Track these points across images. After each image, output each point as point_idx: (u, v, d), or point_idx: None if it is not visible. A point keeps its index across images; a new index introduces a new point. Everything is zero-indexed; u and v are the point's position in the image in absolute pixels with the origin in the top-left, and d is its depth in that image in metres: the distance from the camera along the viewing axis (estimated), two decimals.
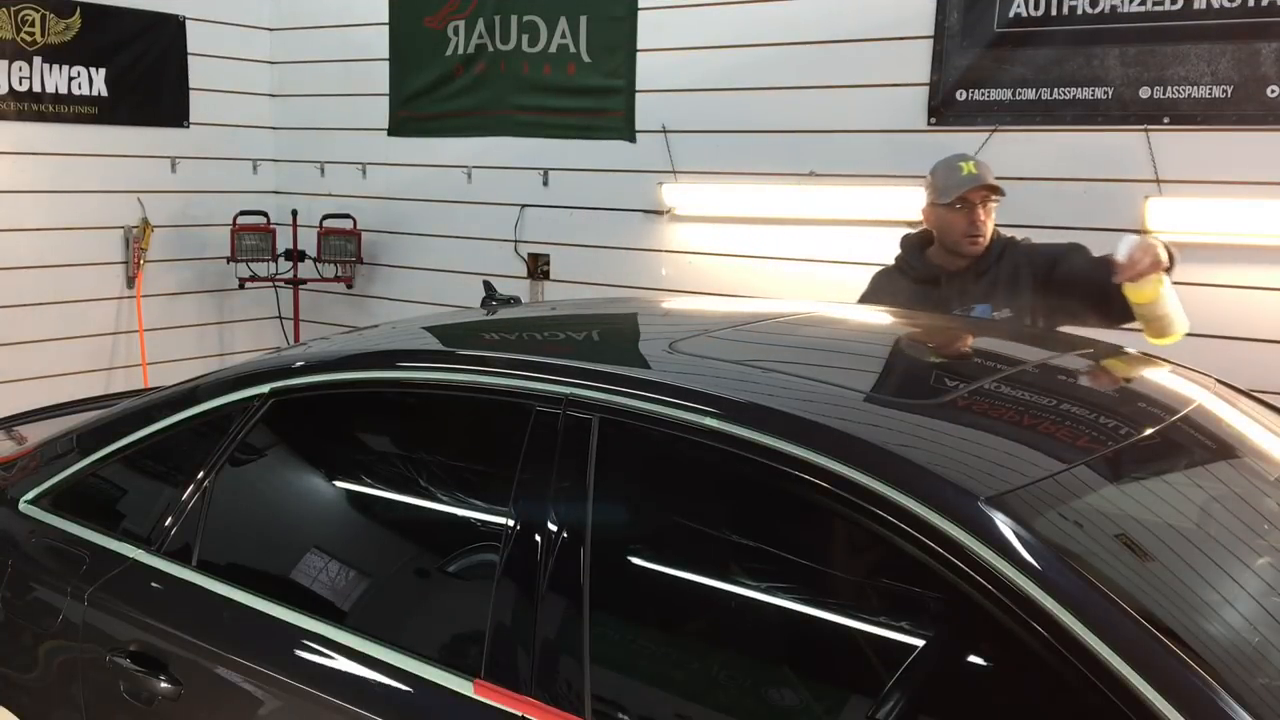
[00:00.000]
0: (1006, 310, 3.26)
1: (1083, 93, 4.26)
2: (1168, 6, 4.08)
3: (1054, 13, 4.27)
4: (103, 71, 5.86)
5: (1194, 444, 2.15)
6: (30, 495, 2.60)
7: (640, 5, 5.22)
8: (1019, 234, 3.45)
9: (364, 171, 6.31)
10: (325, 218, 6.19)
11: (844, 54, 4.73)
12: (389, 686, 1.96)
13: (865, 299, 3.51)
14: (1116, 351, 2.62)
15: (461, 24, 5.77)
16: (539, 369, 2.08)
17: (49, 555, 2.51)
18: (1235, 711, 1.40)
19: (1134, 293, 3.06)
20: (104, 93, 5.88)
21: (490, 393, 2.11)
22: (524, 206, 5.73)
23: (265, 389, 2.36)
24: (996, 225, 3.38)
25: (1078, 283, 3.20)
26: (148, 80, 6.04)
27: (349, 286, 6.35)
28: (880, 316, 3.04)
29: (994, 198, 3.34)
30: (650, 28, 5.22)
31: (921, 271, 3.43)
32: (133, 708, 2.24)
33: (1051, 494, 1.72)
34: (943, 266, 3.40)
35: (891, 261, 3.56)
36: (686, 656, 1.85)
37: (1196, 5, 4.03)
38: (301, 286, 6.34)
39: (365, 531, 2.35)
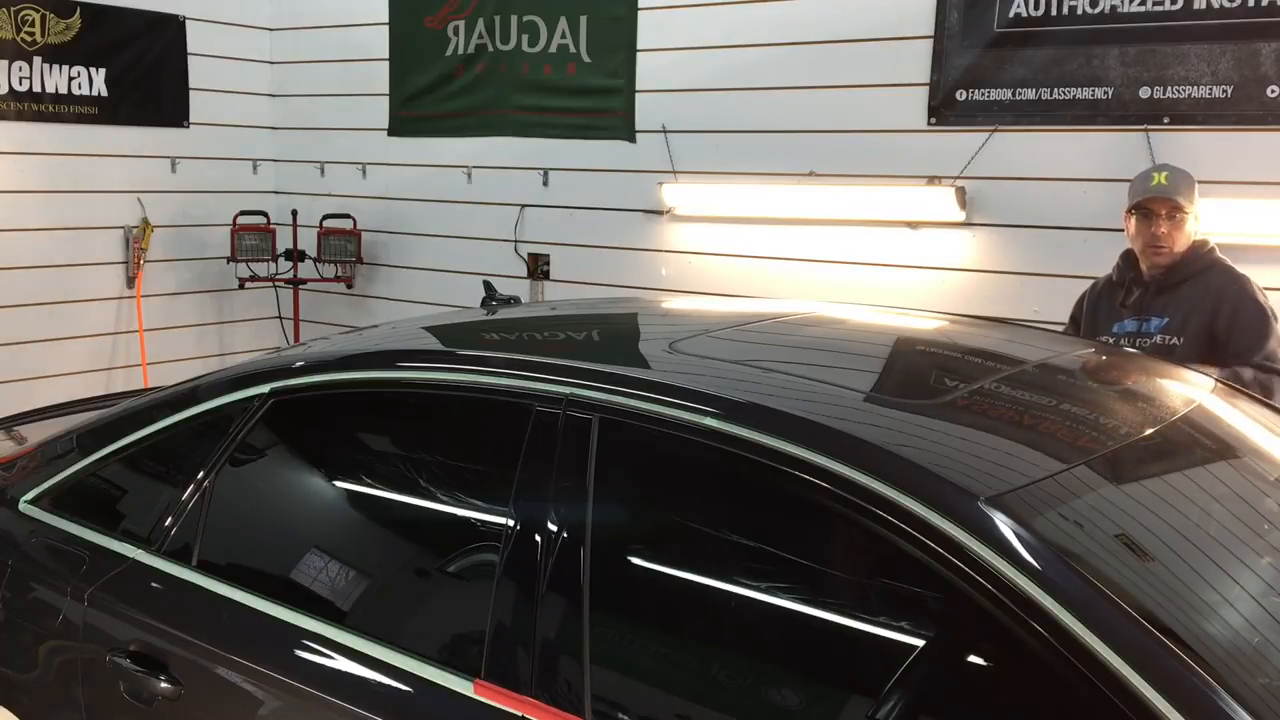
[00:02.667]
0: (1177, 339, 3.29)
1: (1083, 93, 4.26)
2: (1168, 6, 4.08)
3: (1054, 13, 4.27)
4: (103, 71, 5.86)
5: (1194, 444, 2.15)
6: (30, 495, 2.59)
7: (640, 5, 5.23)
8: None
9: (364, 171, 6.31)
10: (325, 218, 6.20)
11: (844, 54, 4.73)
12: (389, 686, 1.96)
13: (1080, 299, 3.68)
14: (1117, 351, 2.62)
15: (461, 24, 5.77)
16: (539, 369, 2.08)
17: (49, 555, 2.51)
18: (1235, 712, 1.40)
19: None
20: (104, 93, 5.88)
21: (490, 393, 2.11)
22: (524, 206, 5.73)
23: (265, 389, 2.36)
24: (1215, 245, 3.45)
25: (1216, 351, 3.24)
26: (148, 80, 6.04)
27: (349, 286, 6.35)
28: (880, 317, 3.04)
29: (1182, 212, 3.37)
30: (650, 28, 5.22)
31: (1120, 276, 3.53)
32: (133, 708, 2.23)
33: (1051, 494, 1.72)
34: (1138, 274, 3.48)
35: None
36: (686, 656, 1.85)
37: (1196, 5, 4.03)
38: (301, 286, 6.34)
39: (365, 532, 2.35)
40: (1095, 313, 3.57)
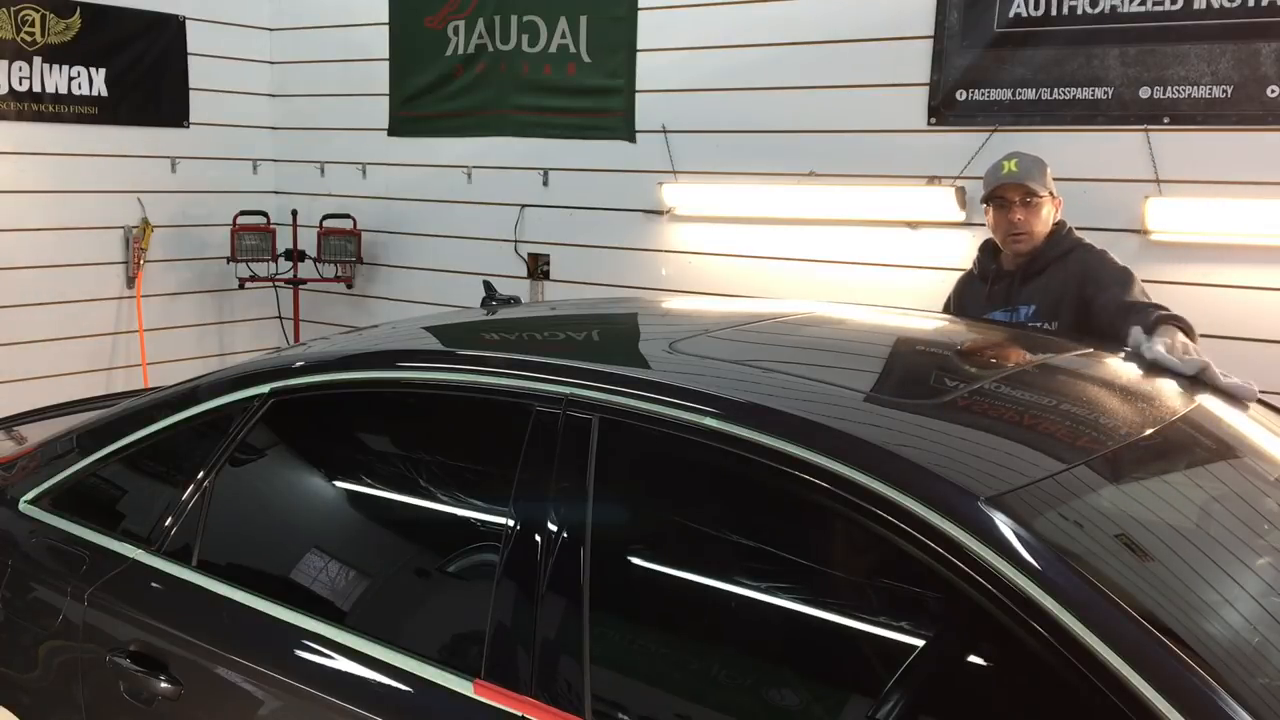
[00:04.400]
0: (1049, 323, 3.26)
1: (1083, 93, 4.26)
2: (1168, 6, 4.08)
3: (1054, 13, 4.27)
4: (103, 71, 5.86)
5: (1194, 444, 2.15)
6: (30, 495, 2.59)
7: (640, 5, 5.22)
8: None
9: (364, 171, 6.31)
10: (325, 218, 6.19)
11: (844, 54, 4.73)
12: (389, 686, 1.96)
13: (948, 299, 3.64)
14: (1117, 352, 2.62)
15: (461, 24, 5.77)
16: (539, 369, 2.08)
17: (49, 555, 2.51)
18: (1235, 712, 1.40)
19: None
20: (104, 93, 5.88)
21: (490, 393, 2.11)
22: (524, 206, 5.73)
23: (265, 389, 2.36)
24: (1074, 227, 3.43)
25: (1098, 323, 3.16)
26: (148, 80, 6.04)
27: (349, 286, 6.35)
28: (880, 317, 3.04)
29: (1036, 197, 3.35)
30: (650, 28, 5.22)
31: (982, 270, 3.52)
32: (133, 708, 2.24)
33: (1051, 494, 1.72)
34: (1001, 265, 3.47)
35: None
36: (686, 656, 1.85)
37: (1196, 5, 4.03)
38: (301, 286, 6.34)
39: (365, 532, 2.35)
40: (962, 310, 3.55)
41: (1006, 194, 3.37)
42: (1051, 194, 3.40)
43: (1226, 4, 3.98)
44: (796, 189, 4.84)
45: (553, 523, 1.91)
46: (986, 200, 3.44)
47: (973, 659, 1.68)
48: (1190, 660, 1.45)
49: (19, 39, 5.53)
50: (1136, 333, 2.67)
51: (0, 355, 5.59)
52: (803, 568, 1.83)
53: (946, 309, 3.63)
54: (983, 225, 4.50)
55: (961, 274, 3.67)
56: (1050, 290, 3.31)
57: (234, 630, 2.17)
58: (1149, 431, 2.08)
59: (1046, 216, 3.38)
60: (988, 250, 3.55)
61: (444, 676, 1.91)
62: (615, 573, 1.91)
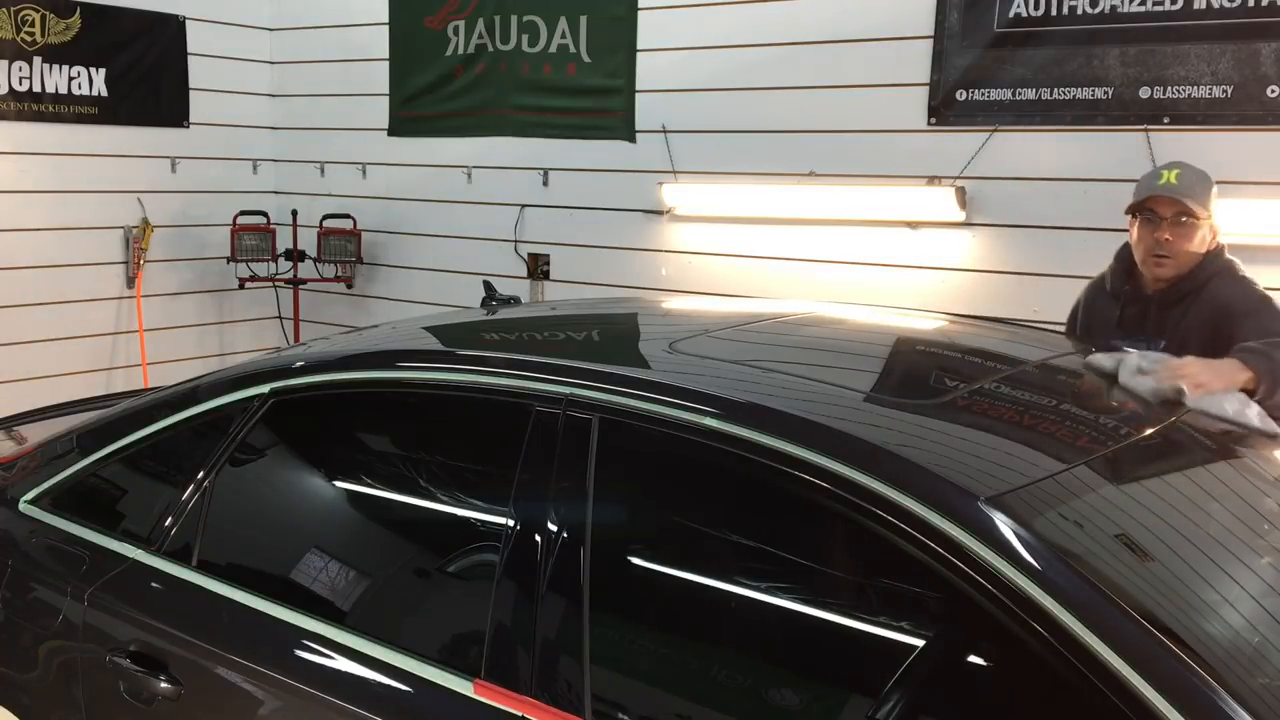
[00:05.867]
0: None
1: (1083, 93, 4.26)
2: (1168, 6, 4.08)
3: (1054, 13, 4.27)
4: (103, 71, 5.86)
5: (1194, 444, 2.15)
6: (30, 495, 2.59)
7: (640, 5, 5.23)
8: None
9: (364, 171, 6.31)
10: (325, 218, 6.20)
11: (844, 54, 4.73)
12: (389, 686, 1.96)
13: (1075, 307, 3.29)
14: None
15: (461, 24, 5.77)
16: (539, 369, 2.08)
17: (49, 555, 2.51)
18: (1235, 712, 1.40)
19: None
20: (104, 93, 5.88)
21: (490, 393, 2.11)
22: (524, 206, 5.73)
23: (265, 389, 2.36)
24: (1223, 246, 3.00)
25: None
26: (148, 80, 6.04)
27: (349, 286, 6.35)
28: (880, 317, 3.04)
29: (1193, 218, 2.90)
30: (650, 28, 5.22)
31: (1114, 286, 3.11)
32: (133, 708, 2.24)
33: (1051, 494, 1.72)
34: (1136, 285, 3.04)
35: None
36: (686, 656, 1.85)
37: (1196, 5, 4.03)
38: (301, 286, 6.34)
39: (365, 532, 2.35)
40: (1090, 319, 3.19)
41: (1158, 208, 2.93)
42: (1210, 217, 2.95)
43: (1226, 4, 3.98)
44: (796, 189, 4.84)
45: (553, 523, 1.91)
46: (1133, 210, 3.01)
47: (973, 659, 1.68)
48: (1190, 660, 1.45)
49: (19, 39, 5.53)
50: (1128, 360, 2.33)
51: (0, 355, 5.59)
52: (803, 568, 1.83)
53: (1073, 318, 3.27)
54: (983, 225, 4.53)
55: (1092, 280, 3.26)
56: (1181, 325, 2.90)
57: (234, 630, 2.17)
58: (1149, 431, 2.08)
59: (1199, 242, 2.93)
60: (1123, 262, 3.10)
61: (444, 676, 1.91)
62: (615, 573, 1.91)
